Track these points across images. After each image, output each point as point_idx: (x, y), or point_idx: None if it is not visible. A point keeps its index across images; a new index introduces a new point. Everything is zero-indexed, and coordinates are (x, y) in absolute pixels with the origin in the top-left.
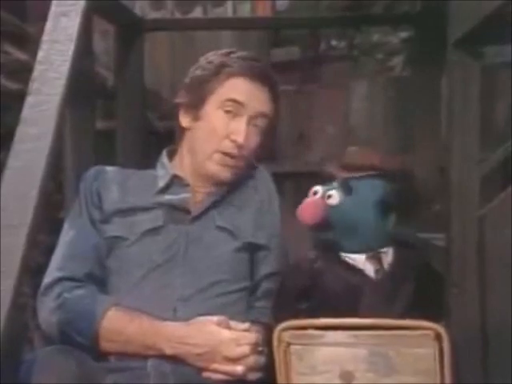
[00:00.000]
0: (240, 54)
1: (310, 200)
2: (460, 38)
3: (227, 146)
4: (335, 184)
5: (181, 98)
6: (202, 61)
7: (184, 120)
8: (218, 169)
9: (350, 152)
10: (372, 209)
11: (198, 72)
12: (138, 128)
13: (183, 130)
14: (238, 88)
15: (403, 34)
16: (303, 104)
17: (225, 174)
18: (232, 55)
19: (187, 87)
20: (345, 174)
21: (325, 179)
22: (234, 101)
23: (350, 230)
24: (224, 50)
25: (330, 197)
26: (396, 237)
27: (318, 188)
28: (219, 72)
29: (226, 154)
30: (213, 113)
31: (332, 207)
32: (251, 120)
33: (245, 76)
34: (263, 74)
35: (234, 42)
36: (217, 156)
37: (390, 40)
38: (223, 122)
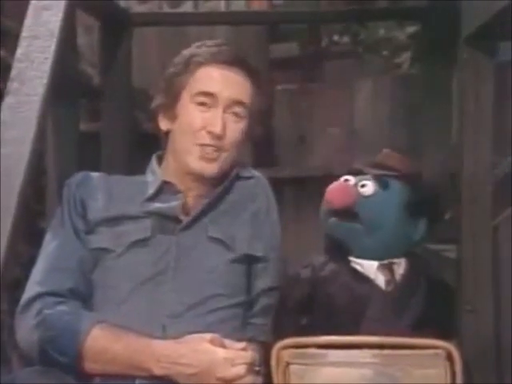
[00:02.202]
0: (211, 42)
1: (341, 183)
2: (472, 33)
3: (204, 137)
4: (367, 176)
5: (156, 101)
6: (176, 58)
7: (163, 123)
8: (200, 164)
9: (382, 154)
10: (404, 210)
11: (171, 69)
12: (126, 130)
13: (165, 134)
14: (208, 78)
15: (411, 29)
16: (304, 104)
17: (209, 169)
18: (203, 45)
19: (162, 88)
20: (376, 171)
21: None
22: (205, 93)
23: (376, 227)
24: (198, 43)
25: (363, 186)
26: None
27: (350, 177)
28: (188, 63)
29: (204, 145)
30: (186, 108)
31: (364, 197)
32: (227, 109)
33: (214, 63)
34: (235, 59)
35: (229, 37)
36: (196, 149)
37: (397, 35)
38: (197, 115)
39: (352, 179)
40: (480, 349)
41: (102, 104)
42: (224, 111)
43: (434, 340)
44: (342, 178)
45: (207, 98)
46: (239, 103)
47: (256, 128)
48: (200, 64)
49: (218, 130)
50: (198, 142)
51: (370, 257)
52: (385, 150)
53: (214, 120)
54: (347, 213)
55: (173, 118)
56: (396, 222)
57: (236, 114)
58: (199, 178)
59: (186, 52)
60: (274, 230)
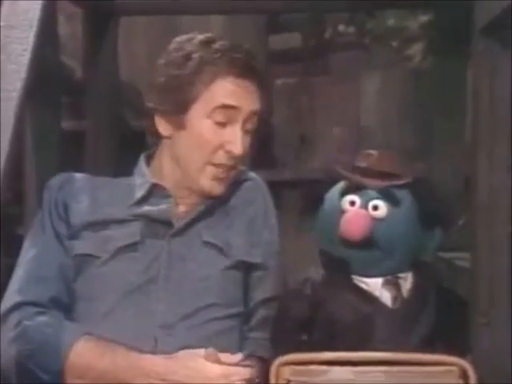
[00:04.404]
0: (221, 44)
1: (356, 212)
2: (489, 23)
3: (221, 157)
4: (374, 193)
5: (156, 103)
6: (176, 53)
7: (163, 128)
8: (211, 184)
9: (372, 156)
10: (419, 223)
11: (175, 71)
12: (112, 128)
13: (160, 135)
14: (226, 91)
15: (423, 18)
16: (306, 100)
17: (217, 189)
18: (213, 46)
19: (162, 88)
20: (377, 182)
21: (358, 188)
22: (226, 106)
23: (395, 248)
24: (199, 38)
25: (376, 208)
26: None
27: (355, 197)
28: (200, 71)
29: (219, 165)
30: (199, 122)
31: (378, 220)
32: (244, 124)
33: (233, 75)
34: (250, 68)
35: (225, 27)
36: (209, 169)
37: (408, 25)
38: (215, 132)
39: (357, 200)
40: (496, 365)
41: (86, 100)
42: (242, 127)
43: (446, 356)
44: (347, 201)
45: (227, 113)
46: (255, 115)
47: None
48: (216, 76)
49: (238, 150)
50: (214, 162)
51: (375, 274)
52: (374, 152)
53: (233, 138)
54: (365, 241)
55: (179, 126)
56: (414, 238)
57: (249, 127)
58: (203, 195)
59: (191, 52)
60: (272, 236)
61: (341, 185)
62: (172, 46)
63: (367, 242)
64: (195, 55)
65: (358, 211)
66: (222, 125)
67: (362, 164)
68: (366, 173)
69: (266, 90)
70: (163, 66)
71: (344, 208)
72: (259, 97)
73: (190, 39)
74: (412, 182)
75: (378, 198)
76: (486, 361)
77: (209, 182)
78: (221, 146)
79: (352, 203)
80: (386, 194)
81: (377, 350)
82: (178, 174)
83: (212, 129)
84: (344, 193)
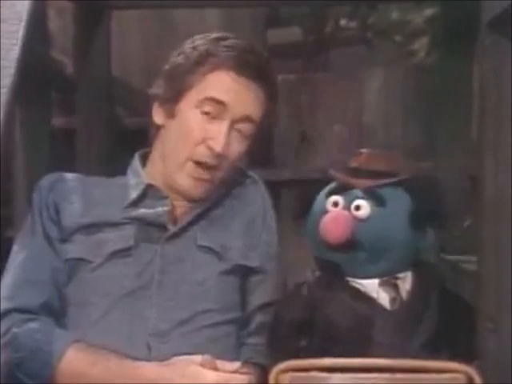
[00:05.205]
0: (233, 41)
1: (335, 213)
2: (496, 16)
3: (201, 153)
4: (358, 193)
5: (157, 89)
6: (187, 45)
7: (157, 115)
8: (189, 183)
9: (362, 155)
10: (408, 223)
11: (180, 60)
12: (104, 126)
13: (157, 128)
14: (221, 84)
15: (428, 12)
16: (306, 97)
17: (197, 190)
18: (223, 42)
19: (166, 76)
20: (365, 182)
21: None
22: (215, 100)
23: (381, 251)
24: (215, 35)
25: (358, 208)
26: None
27: (338, 198)
28: (203, 62)
29: (199, 163)
30: (188, 112)
31: (361, 221)
32: (234, 124)
33: (232, 69)
34: (256, 68)
35: (221, 21)
36: (189, 166)
37: (412, 19)
38: (199, 125)
39: (341, 200)
40: (503, 372)
41: (77, 96)
42: (231, 126)
43: (451, 363)
44: (330, 201)
45: (215, 107)
46: (249, 120)
47: (258, 148)
48: (214, 67)
49: (219, 147)
50: (194, 158)
51: (369, 276)
52: (364, 151)
53: (216, 134)
54: (347, 243)
55: (170, 115)
56: (402, 239)
57: (242, 132)
58: (183, 195)
59: (200, 44)
60: (271, 238)
61: (329, 186)
62: (189, 39)
63: (349, 244)
64: (202, 47)
65: (339, 212)
66: (210, 118)
67: (353, 164)
68: (356, 173)
69: (275, 102)
70: (174, 55)
71: (327, 209)
72: (263, 104)
73: (206, 35)
74: (407, 179)
75: (361, 198)
76: (492, 367)
77: (187, 179)
78: (203, 141)
79: (335, 204)
80: (370, 194)
81: (377, 354)
82: (164, 172)
83: (198, 119)
84: (329, 194)
